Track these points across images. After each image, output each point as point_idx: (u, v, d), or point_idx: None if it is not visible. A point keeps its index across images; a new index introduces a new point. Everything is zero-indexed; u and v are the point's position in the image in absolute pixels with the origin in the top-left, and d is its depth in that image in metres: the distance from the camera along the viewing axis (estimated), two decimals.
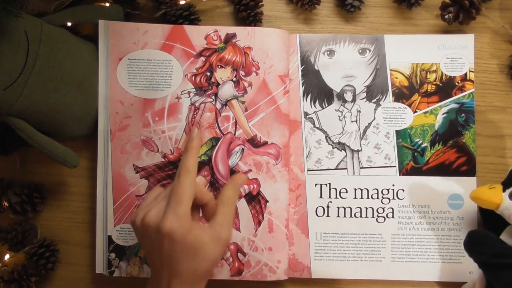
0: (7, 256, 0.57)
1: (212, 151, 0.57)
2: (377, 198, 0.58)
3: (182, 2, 0.60)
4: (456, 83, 0.59)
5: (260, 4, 0.59)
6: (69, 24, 0.56)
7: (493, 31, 0.60)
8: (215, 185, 0.57)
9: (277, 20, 0.61)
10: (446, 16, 0.57)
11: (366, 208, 0.58)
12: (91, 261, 0.59)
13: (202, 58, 0.58)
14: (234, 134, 0.58)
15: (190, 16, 0.59)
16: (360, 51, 0.59)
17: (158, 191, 0.46)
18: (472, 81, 0.59)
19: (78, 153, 0.55)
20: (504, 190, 0.50)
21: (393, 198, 0.58)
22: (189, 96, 0.58)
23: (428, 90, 0.59)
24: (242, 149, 0.57)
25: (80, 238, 0.60)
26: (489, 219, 0.55)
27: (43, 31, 0.51)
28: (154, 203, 0.44)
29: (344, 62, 0.59)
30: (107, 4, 0.58)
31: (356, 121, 0.59)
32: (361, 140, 0.59)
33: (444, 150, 0.58)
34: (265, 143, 0.57)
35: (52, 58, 0.51)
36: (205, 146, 0.58)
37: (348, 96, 0.59)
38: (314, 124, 0.59)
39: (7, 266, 0.57)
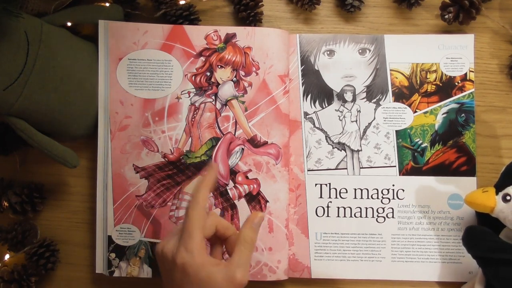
0: (7, 256, 0.57)
1: (212, 151, 0.57)
2: (377, 198, 0.58)
3: (182, 2, 0.60)
4: (456, 83, 0.59)
5: (260, 4, 0.59)
6: (69, 24, 0.56)
7: (493, 31, 0.60)
8: (214, 185, 0.57)
9: (277, 20, 0.61)
10: (446, 16, 0.57)
11: (366, 208, 0.58)
12: (91, 261, 0.59)
13: (202, 58, 0.58)
14: (234, 134, 0.58)
15: (190, 16, 0.59)
16: (360, 51, 0.59)
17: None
18: (472, 81, 0.59)
19: (78, 153, 0.55)
20: (497, 193, 0.50)
21: (393, 198, 0.58)
22: (189, 96, 0.58)
23: (428, 90, 0.59)
24: (242, 149, 0.57)
25: (80, 238, 0.60)
26: (486, 223, 0.55)
27: (43, 31, 0.51)
28: (174, 233, 0.44)
29: (344, 62, 0.59)
30: (107, 4, 0.58)
31: (356, 121, 0.59)
32: (361, 140, 0.59)
33: (444, 150, 0.58)
34: (265, 143, 0.57)
35: (52, 58, 0.51)
36: (205, 146, 0.58)
37: (348, 96, 0.59)
38: (314, 124, 0.59)
39: (7, 266, 0.57)
